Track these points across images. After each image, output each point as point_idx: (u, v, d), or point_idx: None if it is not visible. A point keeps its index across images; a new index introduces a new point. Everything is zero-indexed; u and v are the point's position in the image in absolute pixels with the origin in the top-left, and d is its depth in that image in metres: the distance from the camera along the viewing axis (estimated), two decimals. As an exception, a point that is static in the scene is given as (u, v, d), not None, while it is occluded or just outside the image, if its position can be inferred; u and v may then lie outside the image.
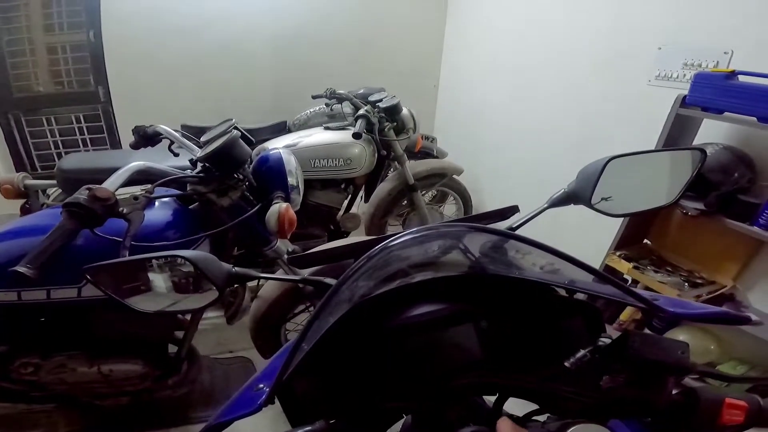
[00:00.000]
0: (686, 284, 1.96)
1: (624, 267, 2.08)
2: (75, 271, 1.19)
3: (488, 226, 0.59)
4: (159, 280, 0.77)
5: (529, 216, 0.84)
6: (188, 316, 1.53)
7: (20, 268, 0.91)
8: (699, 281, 1.99)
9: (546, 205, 0.86)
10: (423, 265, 0.77)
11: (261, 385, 0.56)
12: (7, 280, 1.20)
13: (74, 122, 3.18)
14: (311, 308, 1.70)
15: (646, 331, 1.86)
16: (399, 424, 0.66)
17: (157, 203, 1.32)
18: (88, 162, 1.95)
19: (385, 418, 0.62)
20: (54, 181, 1.98)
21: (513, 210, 0.90)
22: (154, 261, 0.75)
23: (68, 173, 1.85)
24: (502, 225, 0.78)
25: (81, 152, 3.11)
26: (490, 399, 0.63)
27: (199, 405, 1.87)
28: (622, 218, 2.09)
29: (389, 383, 0.58)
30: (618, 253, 2.14)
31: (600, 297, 0.58)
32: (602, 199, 0.85)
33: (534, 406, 0.60)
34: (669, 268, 2.07)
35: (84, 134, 3.21)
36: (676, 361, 0.53)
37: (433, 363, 0.61)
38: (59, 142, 3.18)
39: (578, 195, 0.85)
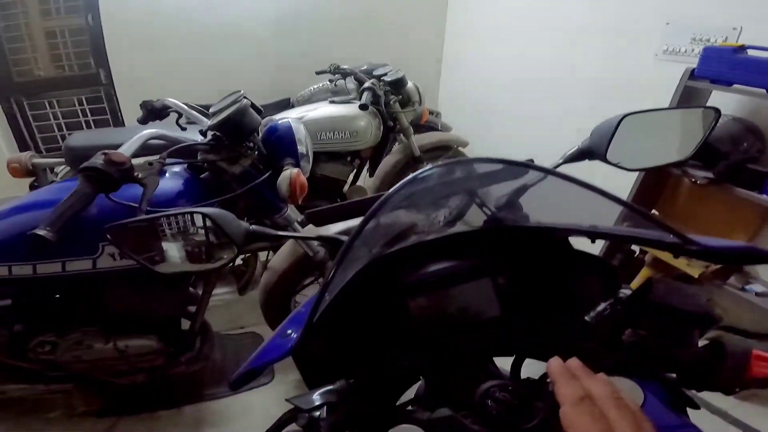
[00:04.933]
0: (694, 254, 1.97)
1: (632, 237, 2.07)
2: (90, 242, 1.21)
3: (518, 160, 0.58)
4: (179, 238, 0.77)
5: (539, 177, 0.84)
6: (200, 290, 1.55)
7: (39, 231, 0.91)
8: (707, 251, 1.99)
9: (560, 161, 0.86)
10: (439, 221, 0.77)
11: (289, 331, 0.57)
12: (22, 252, 1.22)
13: (77, 105, 3.18)
14: (320, 280, 1.71)
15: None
16: (411, 395, 0.66)
17: (168, 174, 1.33)
18: (95, 139, 1.94)
19: (401, 379, 0.62)
20: (62, 159, 1.98)
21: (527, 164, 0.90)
22: (173, 218, 0.75)
23: (76, 150, 1.84)
24: (515, 183, 0.77)
25: (89, 130, 3.10)
26: (505, 369, 0.62)
27: (211, 382, 1.90)
28: (634, 180, 2.10)
29: (406, 340, 0.58)
30: (626, 224, 2.12)
31: (618, 250, 0.57)
32: (616, 155, 0.85)
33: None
34: (677, 239, 2.06)
35: (87, 116, 3.21)
36: (702, 309, 0.51)
37: (451, 319, 0.61)
38: (62, 125, 3.18)
39: (593, 150, 0.85)
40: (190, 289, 1.51)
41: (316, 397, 0.50)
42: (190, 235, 0.78)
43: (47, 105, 3.12)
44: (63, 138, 3.09)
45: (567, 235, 0.65)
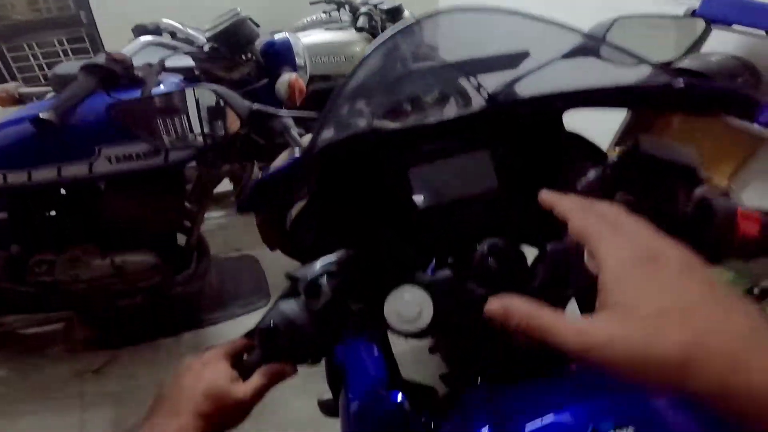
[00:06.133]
0: (682, 182, 2.02)
1: (623, 164, 2.11)
2: (86, 145, 1.20)
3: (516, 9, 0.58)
4: (185, 113, 0.78)
5: (539, 65, 0.85)
6: (194, 208, 1.54)
7: (44, 114, 0.91)
8: (694, 180, 2.05)
9: (557, 57, 0.87)
10: (437, 102, 0.78)
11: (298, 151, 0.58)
12: (17, 159, 1.21)
13: (57, 45, 3.07)
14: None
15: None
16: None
17: (164, 86, 1.30)
18: (84, 66, 1.90)
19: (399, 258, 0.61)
20: (49, 88, 1.93)
21: (522, 55, 0.91)
22: (179, 94, 0.76)
23: (65, 78, 1.79)
24: (509, 74, 0.77)
25: (77, 60, 3.00)
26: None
27: (209, 306, 1.91)
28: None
29: (403, 217, 0.58)
30: (617, 149, 2.15)
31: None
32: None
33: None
34: (666, 167, 2.11)
35: (69, 56, 3.12)
36: (686, 162, 0.52)
37: (448, 189, 0.63)
38: (44, 65, 3.09)
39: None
40: (186, 204, 1.50)
41: (317, 267, 0.50)
42: (198, 106, 0.78)
43: (26, 47, 3.02)
44: (45, 78, 3.00)
45: (564, 105, 0.67)
